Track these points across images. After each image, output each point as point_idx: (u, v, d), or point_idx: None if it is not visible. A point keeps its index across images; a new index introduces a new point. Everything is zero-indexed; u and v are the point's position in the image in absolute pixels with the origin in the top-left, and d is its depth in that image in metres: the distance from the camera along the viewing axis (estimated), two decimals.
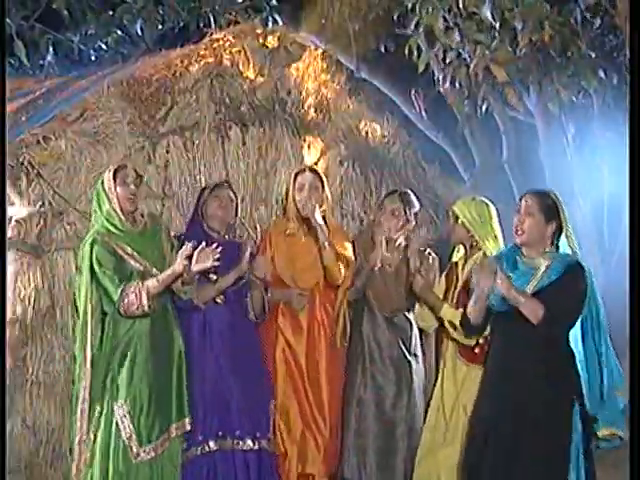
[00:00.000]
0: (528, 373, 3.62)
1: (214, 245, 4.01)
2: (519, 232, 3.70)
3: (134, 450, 3.92)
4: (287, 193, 4.64)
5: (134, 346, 3.96)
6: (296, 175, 4.57)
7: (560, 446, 3.55)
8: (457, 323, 4.08)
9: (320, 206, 4.52)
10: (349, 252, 4.56)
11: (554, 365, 3.61)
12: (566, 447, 3.54)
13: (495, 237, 4.26)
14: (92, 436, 3.93)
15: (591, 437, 3.65)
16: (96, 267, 3.93)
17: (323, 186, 4.57)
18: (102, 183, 4.05)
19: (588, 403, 3.66)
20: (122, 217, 4.02)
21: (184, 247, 3.93)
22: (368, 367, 4.46)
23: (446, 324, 4.20)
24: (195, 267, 3.96)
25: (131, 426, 3.91)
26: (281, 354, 4.47)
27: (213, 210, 4.41)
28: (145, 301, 3.87)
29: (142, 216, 4.17)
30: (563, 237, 3.72)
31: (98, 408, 3.93)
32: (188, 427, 4.10)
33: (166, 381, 4.04)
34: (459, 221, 4.25)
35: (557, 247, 3.72)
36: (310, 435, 4.41)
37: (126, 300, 3.88)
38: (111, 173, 4.04)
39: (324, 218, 4.54)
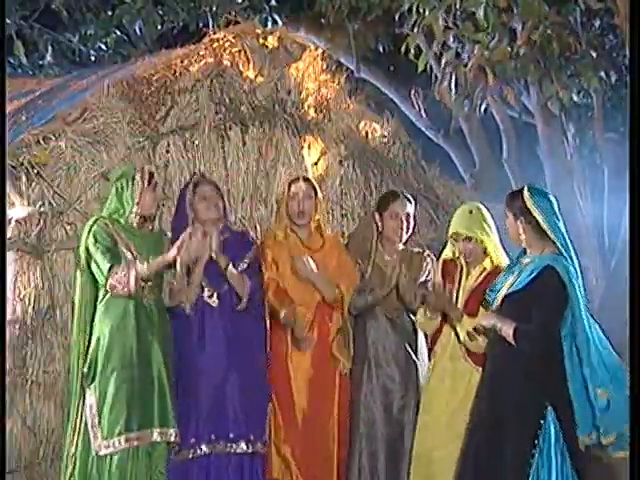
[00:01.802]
0: (506, 375, 3.64)
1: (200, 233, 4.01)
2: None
3: (97, 442, 3.90)
4: (281, 202, 4.59)
5: (110, 336, 3.94)
6: (290, 184, 4.53)
7: (521, 451, 3.54)
8: (477, 335, 4.03)
9: (315, 211, 4.51)
10: (346, 270, 4.51)
11: (530, 367, 3.60)
12: (527, 452, 3.53)
13: (496, 241, 4.24)
14: (77, 430, 3.95)
15: (575, 442, 3.62)
16: (91, 245, 3.96)
17: (316, 194, 4.53)
18: (129, 183, 4.06)
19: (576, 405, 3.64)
20: (136, 220, 4.05)
21: (181, 236, 3.95)
22: (374, 371, 4.44)
23: (463, 337, 4.13)
24: (181, 258, 3.93)
25: (96, 417, 3.90)
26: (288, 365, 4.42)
27: (204, 214, 4.30)
28: (132, 282, 3.88)
29: (150, 224, 4.19)
30: (553, 236, 3.69)
31: (82, 399, 3.95)
32: (172, 438, 4.05)
33: (143, 383, 3.99)
34: (473, 240, 4.17)
35: (564, 243, 3.70)
36: (316, 441, 4.37)
37: (115, 277, 3.89)
38: (147, 177, 4.07)
39: (318, 227, 4.53)
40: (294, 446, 4.33)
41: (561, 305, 3.59)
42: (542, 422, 3.55)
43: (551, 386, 3.60)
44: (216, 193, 4.39)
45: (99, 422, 3.91)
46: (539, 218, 3.66)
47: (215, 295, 4.25)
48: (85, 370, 3.95)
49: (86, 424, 3.94)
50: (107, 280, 3.92)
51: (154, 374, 4.02)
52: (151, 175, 4.13)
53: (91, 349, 3.97)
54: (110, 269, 3.91)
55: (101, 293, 4.01)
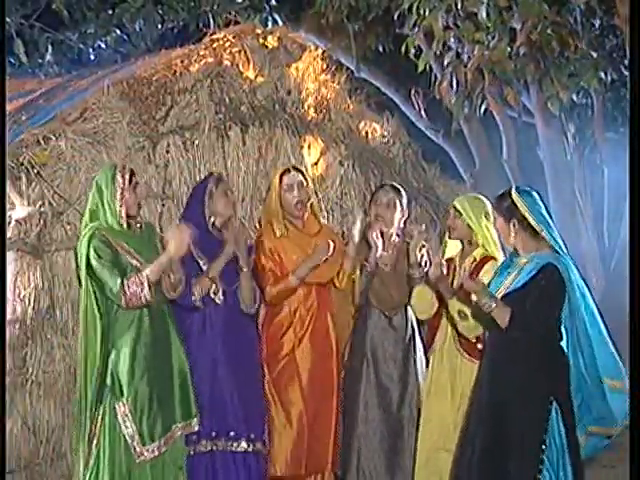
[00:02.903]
0: (510, 372, 3.62)
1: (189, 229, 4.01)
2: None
3: (137, 449, 3.91)
4: (271, 195, 4.52)
5: (133, 345, 3.94)
6: (281, 176, 4.49)
7: (530, 446, 3.54)
8: (468, 312, 4.04)
9: (308, 199, 4.49)
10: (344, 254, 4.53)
11: (535, 364, 3.60)
12: (537, 447, 3.53)
13: (491, 235, 4.24)
14: (96, 437, 3.93)
15: (574, 437, 3.63)
16: (94, 260, 3.91)
17: (307, 182, 4.53)
18: (109, 183, 4.01)
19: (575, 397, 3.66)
20: (124, 219, 4.01)
21: (170, 231, 3.96)
22: (372, 368, 4.45)
23: (455, 315, 4.14)
24: (173, 251, 3.92)
25: (133, 425, 3.91)
26: (288, 354, 4.42)
27: (222, 208, 4.32)
28: (147, 291, 3.86)
29: (137, 222, 4.16)
30: (545, 234, 3.70)
31: (101, 408, 3.93)
32: (196, 427, 4.10)
33: (168, 380, 4.03)
34: (462, 217, 4.24)
35: (556, 240, 3.71)
36: (315, 436, 4.38)
37: (128, 292, 3.87)
38: (127, 176, 4.02)
39: (313, 213, 4.54)
40: (298, 440, 4.34)
41: (559, 300, 3.60)
42: (548, 417, 3.55)
43: (554, 380, 3.61)
44: (232, 195, 4.45)
45: (139, 430, 3.91)
46: (529, 217, 3.68)
47: (220, 292, 4.26)
48: (109, 384, 3.93)
49: (111, 434, 3.91)
50: (121, 297, 3.88)
51: (175, 369, 4.05)
52: (132, 173, 4.08)
53: (111, 362, 3.94)
54: (122, 285, 3.87)
55: (114, 305, 3.97)
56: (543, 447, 3.53)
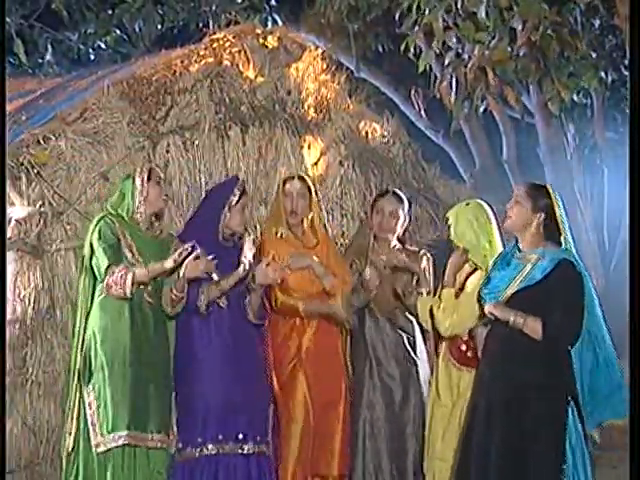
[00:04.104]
0: (521, 372, 3.58)
1: (210, 257, 4.02)
2: (506, 218, 3.73)
3: (96, 439, 3.91)
4: (277, 198, 4.57)
5: (104, 333, 3.95)
6: (285, 182, 4.52)
7: (553, 447, 3.50)
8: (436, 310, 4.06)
9: (309, 211, 4.49)
10: (340, 270, 4.52)
11: (548, 363, 3.57)
12: (560, 448, 3.49)
13: (490, 241, 4.19)
14: (77, 427, 3.96)
15: (588, 436, 3.61)
16: (95, 241, 3.98)
17: (311, 193, 4.51)
18: (130, 181, 4.10)
19: (591, 400, 3.63)
20: (142, 214, 4.07)
21: (182, 247, 3.93)
22: (375, 369, 4.45)
23: (426, 315, 4.15)
24: (184, 272, 3.96)
25: (95, 414, 3.92)
26: (293, 358, 4.42)
27: (236, 225, 4.30)
28: (129, 284, 3.88)
29: (160, 226, 4.21)
30: (563, 234, 3.68)
31: (78, 395, 3.97)
32: (172, 443, 4.08)
33: (138, 384, 3.98)
34: (450, 226, 4.20)
35: (558, 244, 3.68)
36: (321, 437, 4.37)
37: (110, 278, 3.90)
38: (145, 173, 4.09)
39: (312, 226, 4.52)
40: (303, 446, 4.34)
41: (583, 296, 3.55)
42: (566, 416, 3.51)
43: (565, 376, 3.57)
44: (247, 210, 4.46)
45: (98, 419, 3.92)
46: (561, 217, 3.65)
47: (224, 296, 4.25)
48: (81, 367, 3.96)
49: (86, 421, 3.95)
50: (104, 278, 3.93)
51: (150, 376, 4.02)
52: (150, 170, 4.14)
53: (85, 345, 3.98)
54: (108, 267, 3.91)
55: (98, 289, 4.01)
56: (564, 445, 3.49)
